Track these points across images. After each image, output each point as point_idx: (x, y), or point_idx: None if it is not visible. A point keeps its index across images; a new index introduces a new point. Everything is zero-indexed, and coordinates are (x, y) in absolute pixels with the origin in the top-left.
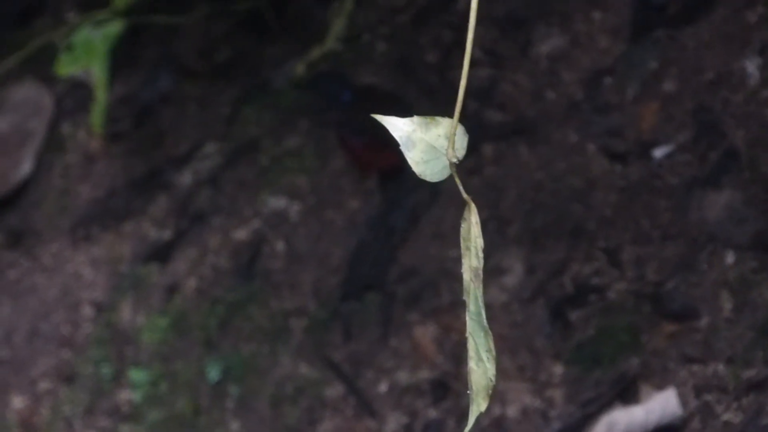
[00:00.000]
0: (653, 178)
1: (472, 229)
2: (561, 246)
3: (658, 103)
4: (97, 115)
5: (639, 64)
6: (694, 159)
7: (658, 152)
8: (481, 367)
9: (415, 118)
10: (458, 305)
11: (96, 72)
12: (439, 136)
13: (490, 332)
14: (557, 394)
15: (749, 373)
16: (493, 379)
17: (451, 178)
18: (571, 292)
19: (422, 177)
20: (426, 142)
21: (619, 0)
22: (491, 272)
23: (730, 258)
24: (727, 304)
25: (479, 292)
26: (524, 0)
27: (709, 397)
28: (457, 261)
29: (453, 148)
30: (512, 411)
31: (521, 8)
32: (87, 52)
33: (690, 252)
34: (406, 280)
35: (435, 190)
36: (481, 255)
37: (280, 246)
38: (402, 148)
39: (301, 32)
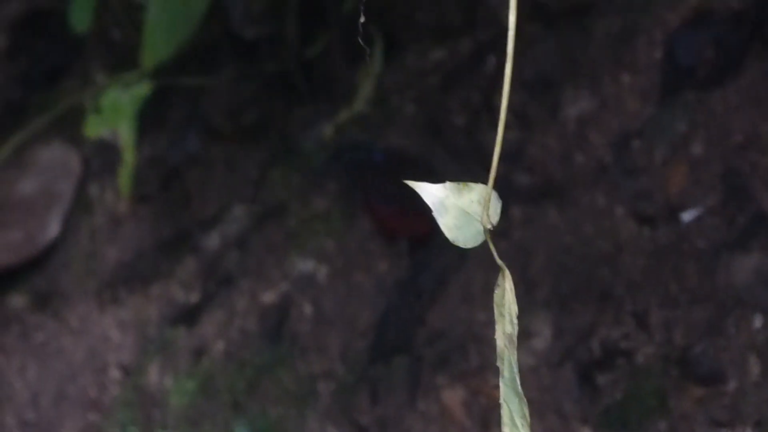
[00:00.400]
0: (681, 241)
1: (507, 295)
2: (589, 309)
3: (686, 166)
4: (124, 176)
5: (667, 127)
6: (722, 222)
7: (687, 216)
8: None
9: (448, 184)
10: (487, 368)
11: (123, 133)
12: (473, 201)
13: (524, 399)
14: None
15: None
16: None
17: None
18: (599, 356)
19: (455, 243)
20: (459, 208)
21: (648, 62)
22: (519, 336)
23: (758, 322)
24: (754, 368)
25: (513, 359)
26: (553, 62)
27: None
28: (486, 324)
29: (488, 214)
30: None
31: (550, 70)
32: (115, 113)
33: (718, 315)
34: (434, 343)
35: (463, 252)
36: (515, 321)
37: (307, 309)
38: (434, 214)
39: (330, 94)
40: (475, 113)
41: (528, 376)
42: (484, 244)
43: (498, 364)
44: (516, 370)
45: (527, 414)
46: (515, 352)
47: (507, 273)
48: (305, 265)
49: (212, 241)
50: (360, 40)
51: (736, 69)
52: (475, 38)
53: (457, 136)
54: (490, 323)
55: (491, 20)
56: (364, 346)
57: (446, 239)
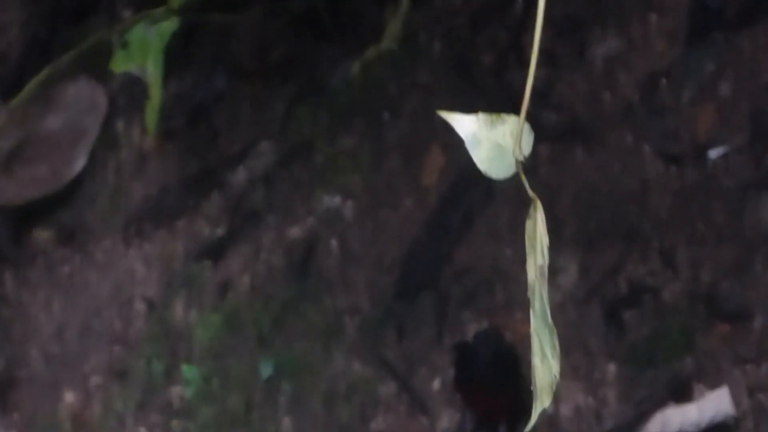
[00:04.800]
0: (708, 180)
1: (538, 227)
2: (615, 247)
3: (713, 106)
4: (151, 113)
5: (695, 67)
6: (749, 161)
7: (714, 154)
8: (545, 364)
9: (481, 116)
10: (513, 304)
11: (150, 70)
12: (505, 134)
13: (554, 330)
14: (611, 393)
15: None
16: (557, 376)
17: (505, 178)
18: (626, 293)
19: (487, 175)
20: (492, 140)
21: (676, 3)
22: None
23: None
24: None
25: (544, 291)
26: (580, 2)
27: (762, 397)
28: (512, 261)
29: (519, 146)
30: (566, 410)
31: (577, 10)
32: (142, 49)
33: (744, 254)
34: (460, 279)
35: (490, 189)
36: (546, 253)
37: (334, 244)
38: (467, 145)
39: (357, 32)
40: (503, 52)
41: (554, 312)
42: (512, 181)
43: (529, 295)
44: (547, 301)
45: (557, 345)
46: (546, 284)
47: (539, 204)
48: (332, 201)
49: (238, 176)
50: None
51: (765, 9)
52: None
53: (484, 75)
54: (517, 260)
55: None
56: (390, 282)
57: (474, 175)
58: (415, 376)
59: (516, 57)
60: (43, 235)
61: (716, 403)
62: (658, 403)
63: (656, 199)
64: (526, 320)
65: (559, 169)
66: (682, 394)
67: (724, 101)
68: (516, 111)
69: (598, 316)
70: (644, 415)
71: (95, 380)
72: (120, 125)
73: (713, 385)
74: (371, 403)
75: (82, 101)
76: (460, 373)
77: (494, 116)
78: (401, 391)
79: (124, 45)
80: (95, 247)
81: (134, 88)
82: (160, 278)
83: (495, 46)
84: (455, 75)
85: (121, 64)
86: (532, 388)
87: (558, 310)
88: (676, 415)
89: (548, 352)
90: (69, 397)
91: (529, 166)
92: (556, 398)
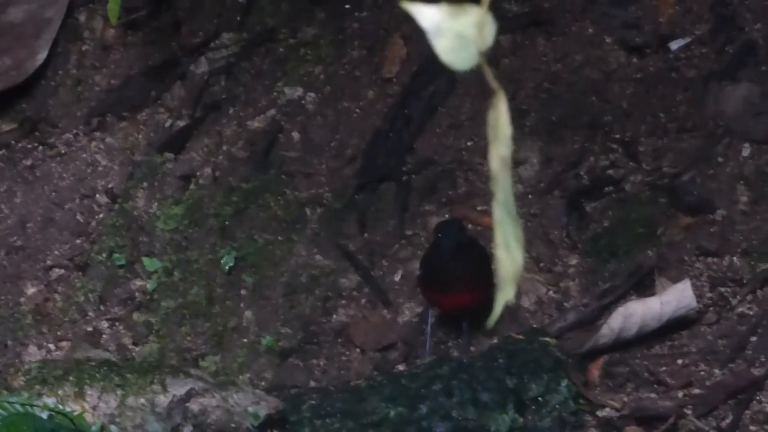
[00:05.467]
0: (670, 70)
1: (501, 117)
2: (577, 138)
3: None
4: (113, 4)
5: None
6: (711, 52)
7: (675, 45)
8: (509, 256)
9: (444, 7)
10: (474, 195)
11: None
12: (467, 24)
13: (518, 220)
14: (573, 286)
15: (764, 266)
16: (521, 267)
17: (467, 69)
18: (588, 184)
19: (450, 65)
20: (454, 31)
21: None
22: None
23: (746, 151)
24: (743, 197)
25: (507, 181)
26: None
27: (724, 290)
28: (474, 152)
29: (482, 36)
30: (527, 302)
31: None
32: None
33: (706, 145)
34: (422, 170)
35: (452, 80)
36: (509, 143)
37: (295, 135)
38: (430, 36)
39: None
40: None
41: (516, 204)
42: (474, 72)
43: (492, 186)
44: (510, 192)
45: (521, 236)
46: (509, 175)
47: (501, 94)
48: (293, 91)
49: (200, 68)
50: None
51: None
52: None
53: None
54: (478, 151)
55: None
56: (352, 172)
57: (436, 66)
58: (377, 268)
59: None
60: (4, 127)
61: (678, 296)
62: (621, 296)
63: (618, 89)
64: (488, 212)
65: (521, 60)
66: (644, 286)
67: None
68: (478, 1)
69: (560, 207)
70: (606, 307)
71: (57, 272)
72: (82, 17)
73: (676, 278)
74: (333, 295)
75: None
76: (424, 270)
77: (457, 6)
78: (363, 283)
79: None
80: (57, 139)
81: None
82: (122, 170)
83: None
84: None
85: None
86: (495, 280)
87: (520, 202)
88: (638, 307)
89: (512, 243)
90: (31, 289)
91: (491, 56)
92: (518, 291)
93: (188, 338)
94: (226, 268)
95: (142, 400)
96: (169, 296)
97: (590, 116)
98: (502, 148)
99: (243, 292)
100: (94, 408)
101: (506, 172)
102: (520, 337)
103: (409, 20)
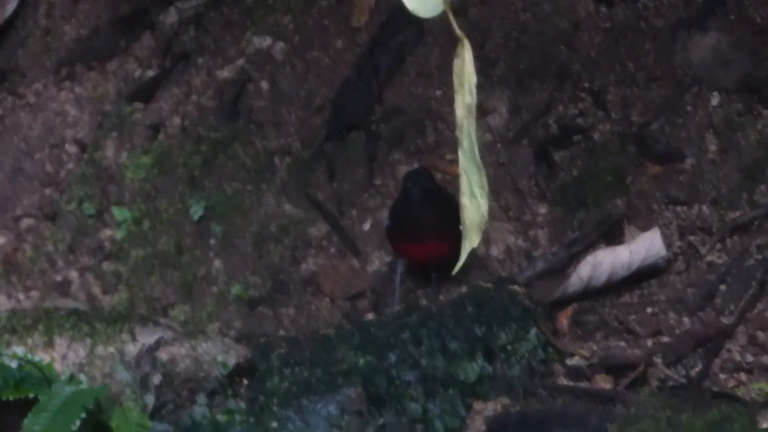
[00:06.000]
0: (639, 20)
1: (466, 65)
2: (546, 87)
3: None
4: None
5: None
6: (679, 1)
7: None
8: (474, 204)
9: None
10: (443, 145)
11: None
12: None
13: (483, 168)
14: (541, 234)
15: (733, 215)
16: (486, 214)
17: (435, 18)
18: (556, 133)
19: (415, 13)
20: None
21: None
22: (476, 112)
23: (715, 100)
24: (712, 146)
25: (472, 129)
26: None
27: (693, 238)
28: (442, 102)
29: None
30: (496, 251)
31: None
32: None
33: (675, 94)
34: (390, 119)
35: (420, 29)
36: (474, 92)
37: (264, 85)
38: None
39: None
40: None
41: (484, 153)
42: (443, 22)
43: (457, 134)
44: (475, 140)
45: (486, 184)
46: (474, 123)
47: (466, 43)
48: (262, 41)
49: (169, 18)
50: None
51: None
52: None
53: None
54: (447, 100)
55: None
56: (321, 122)
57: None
58: (346, 217)
59: None
60: None
61: (647, 244)
62: (589, 245)
63: (586, 38)
64: (456, 161)
65: (489, 9)
66: (613, 235)
67: None
68: None
69: (528, 157)
70: (575, 256)
71: (26, 222)
72: None
73: (645, 226)
74: (302, 244)
75: None
76: (392, 220)
77: None
78: (332, 233)
79: None
80: (26, 89)
81: None
82: (91, 120)
83: None
84: None
85: None
86: (460, 227)
87: (488, 151)
88: (607, 256)
89: (476, 191)
90: (0, 239)
91: (459, 6)
92: (487, 240)
93: (157, 287)
94: (195, 217)
95: (111, 349)
96: (139, 246)
97: (559, 65)
98: (467, 96)
99: (212, 241)
100: (63, 357)
101: (471, 120)
102: (489, 285)
103: None
